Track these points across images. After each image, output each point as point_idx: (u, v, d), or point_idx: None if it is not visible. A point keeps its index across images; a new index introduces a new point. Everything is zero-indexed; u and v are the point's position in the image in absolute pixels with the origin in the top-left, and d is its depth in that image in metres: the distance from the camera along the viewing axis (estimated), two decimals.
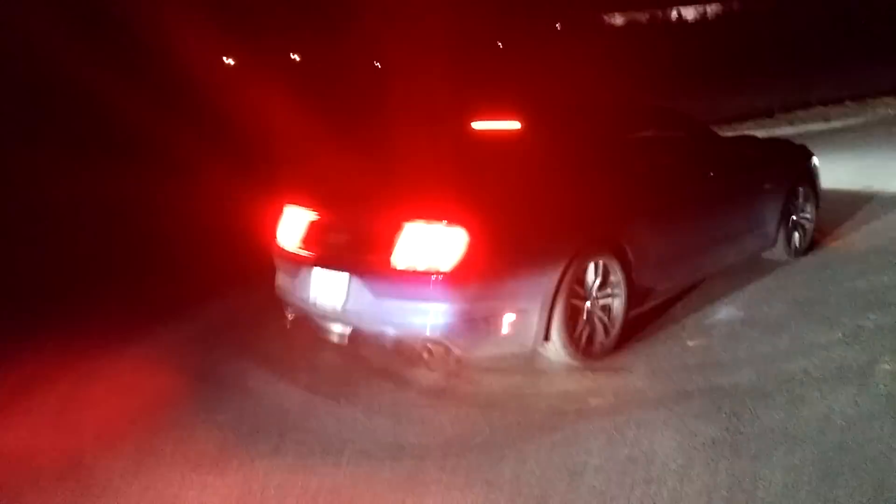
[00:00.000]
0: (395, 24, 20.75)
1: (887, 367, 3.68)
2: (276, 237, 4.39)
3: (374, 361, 4.29)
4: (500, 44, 28.70)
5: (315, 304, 3.99)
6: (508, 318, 3.67)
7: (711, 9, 37.44)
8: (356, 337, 3.88)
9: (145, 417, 3.78)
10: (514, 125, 4.61)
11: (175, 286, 6.11)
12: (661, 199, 4.53)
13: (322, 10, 21.95)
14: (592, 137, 4.47)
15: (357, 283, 3.75)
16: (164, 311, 5.43)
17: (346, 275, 3.81)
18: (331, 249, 4.02)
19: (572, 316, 3.89)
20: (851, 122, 14.75)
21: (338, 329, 3.93)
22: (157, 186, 9.57)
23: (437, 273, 3.53)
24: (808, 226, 5.81)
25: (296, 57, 27.36)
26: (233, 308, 5.51)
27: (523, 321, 3.71)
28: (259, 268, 4.77)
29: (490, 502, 2.84)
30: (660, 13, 34.99)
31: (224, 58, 23.67)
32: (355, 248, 3.87)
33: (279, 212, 4.40)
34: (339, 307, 3.84)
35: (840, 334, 4.15)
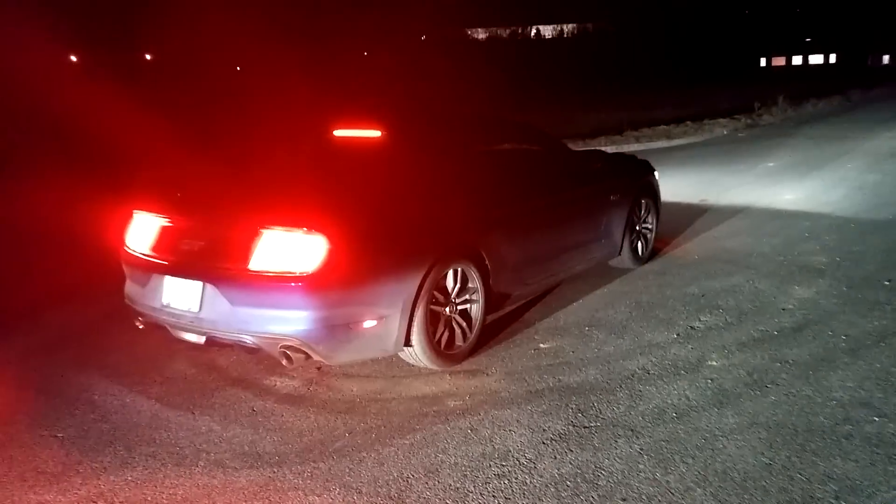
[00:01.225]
0: (258, 28, 20.33)
1: (714, 363, 4.05)
2: (125, 244, 4.19)
3: (231, 371, 4.20)
4: (365, 53, 28.79)
5: (169, 312, 3.85)
6: (369, 324, 3.71)
7: (568, 28, 39.44)
8: (212, 345, 3.79)
9: None
10: (375, 133, 4.66)
11: (12, 297, 5.67)
12: (515, 208, 4.73)
13: (180, 8, 21.09)
14: (451, 148, 4.61)
15: (214, 290, 3.66)
16: (4, 323, 5.03)
17: (201, 283, 3.71)
18: (185, 256, 3.89)
19: (432, 321, 3.99)
20: (691, 140, 15.95)
21: (192, 338, 3.82)
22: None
23: (298, 279, 3.52)
24: (650, 235, 6.26)
25: (148, 56, 26.13)
26: (77, 318, 5.19)
27: (384, 327, 3.76)
28: (106, 276, 4.53)
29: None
30: (519, 30, 36.41)
31: (71, 56, 22.24)
32: (211, 254, 3.77)
33: (129, 217, 4.21)
34: (194, 315, 3.73)
35: (675, 334, 4.51)
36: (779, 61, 55.59)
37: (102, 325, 4.90)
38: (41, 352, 4.58)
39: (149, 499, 2.94)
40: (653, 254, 6.33)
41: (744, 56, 42.09)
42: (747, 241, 6.75)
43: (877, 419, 3.31)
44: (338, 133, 4.85)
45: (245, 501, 2.91)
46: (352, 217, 3.75)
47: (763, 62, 50.42)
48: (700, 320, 4.74)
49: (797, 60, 56.05)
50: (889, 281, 5.31)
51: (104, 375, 4.19)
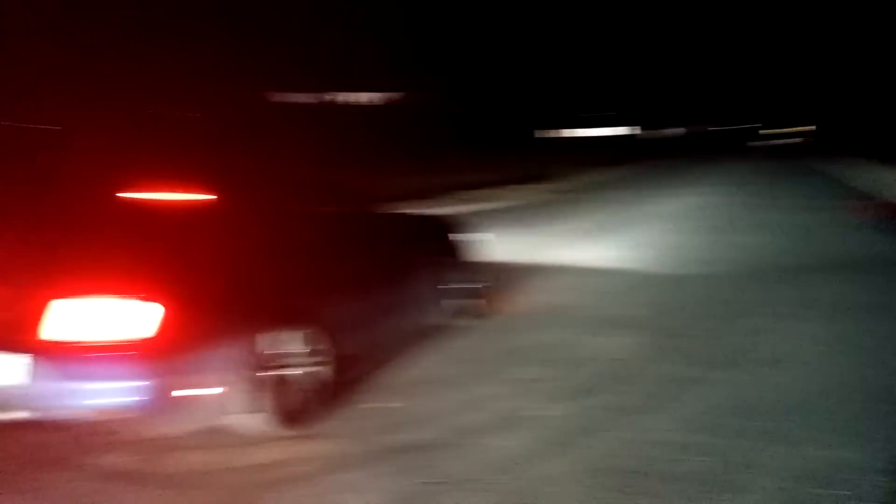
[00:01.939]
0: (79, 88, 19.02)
1: (545, 413, 4.31)
2: None
3: (49, 450, 3.82)
4: (198, 114, 27.79)
5: None
6: (207, 392, 3.59)
7: (381, 95, 40.59)
8: (29, 421, 3.46)
9: None
10: (205, 196, 4.48)
11: None
12: (348, 270, 4.83)
13: None
14: (278, 209, 4.63)
15: (27, 363, 3.35)
16: None
17: (14, 356, 3.38)
18: None
19: (274, 386, 3.92)
20: (514, 203, 16.99)
21: (11, 416, 3.46)
22: None
23: (127, 349, 3.35)
24: (476, 293, 6.55)
25: None
26: None
27: (222, 394, 3.65)
28: None
29: None
30: (324, 96, 36.74)
31: None
32: (18, 326, 3.43)
33: None
34: (10, 391, 3.39)
35: (506, 388, 4.75)
36: (551, 133, 59.77)
37: None
38: None
39: None
40: (484, 312, 6.60)
41: (518, 127, 44.89)
42: (566, 297, 7.30)
43: (698, 458, 3.62)
44: (159, 195, 4.58)
45: None
46: (187, 284, 3.65)
47: (537, 134, 54.06)
48: (527, 373, 5.02)
49: (571, 132, 60.76)
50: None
51: None
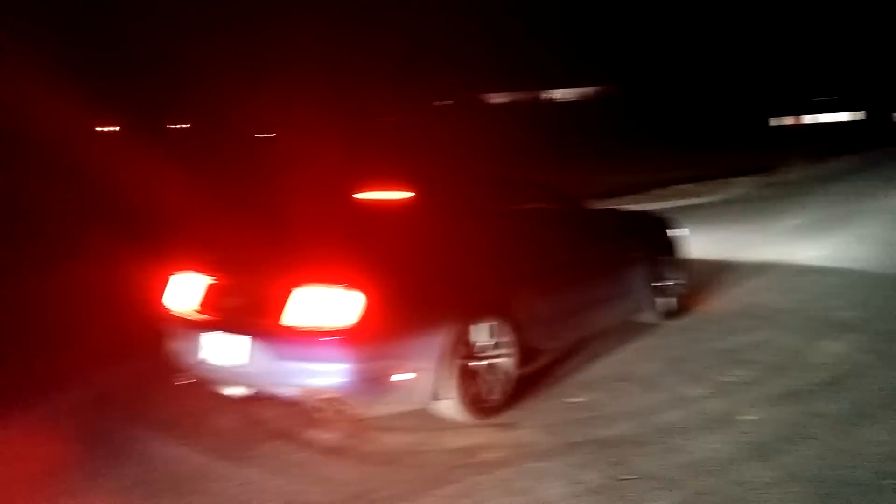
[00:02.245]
0: (289, 96, 21.04)
1: (748, 417, 4.08)
2: (165, 303, 4.37)
3: (272, 424, 4.30)
4: (390, 118, 29.55)
5: (210, 367, 3.99)
6: (404, 377, 3.82)
7: (583, 92, 40.21)
8: (255, 398, 3.92)
9: (33, 486, 3.63)
10: (403, 195, 4.85)
11: (64, 357, 5.86)
12: (542, 265, 4.87)
13: (212, 79, 21.96)
14: (478, 207, 4.80)
15: (255, 345, 3.81)
16: (52, 382, 5.24)
17: (244, 337, 3.86)
18: (226, 313, 4.06)
19: (465, 374, 4.09)
20: (713, 198, 16.07)
21: (235, 391, 3.95)
22: (44, 262, 9.27)
23: (335, 334, 3.66)
24: (676, 290, 6.33)
25: (183, 126, 27.13)
26: (125, 376, 5.36)
27: (418, 380, 3.88)
28: (150, 336, 4.71)
29: None
30: (533, 94, 37.11)
31: (103, 127, 23.14)
32: (251, 311, 3.93)
33: (168, 279, 4.40)
34: (236, 369, 3.87)
35: (707, 389, 4.55)
36: (788, 121, 55.51)
37: (151, 381, 5.04)
38: (92, 407, 4.74)
39: None
40: (680, 310, 6.38)
41: (753, 116, 42.27)
42: (772, 297, 6.79)
43: None
44: (365, 194, 5.04)
45: None
46: (386, 275, 3.92)
47: (773, 121, 50.40)
48: (731, 374, 4.77)
49: (808, 120, 56.08)
50: None
51: (152, 429, 4.32)
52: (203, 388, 4.22)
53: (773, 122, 50.02)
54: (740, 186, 17.66)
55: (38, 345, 6.22)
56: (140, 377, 5.20)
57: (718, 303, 6.74)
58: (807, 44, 44.24)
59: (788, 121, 54.66)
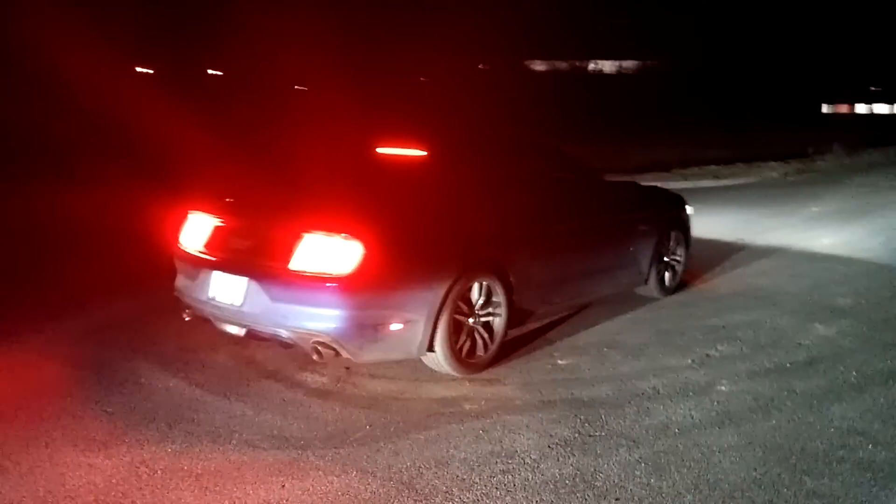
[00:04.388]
0: (320, 47, 21.12)
1: (724, 388, 4.21)
2: (178, 241, 4.57)
3: (267, 364, 4.52)
4: (422, 78, 29.51)
5: (214, 305, 4.20)
6: (395, 327, 3.99)
7: (627, 64, 39.63)
8: (251, 337, 4.13)
9: (34, 405, 3.87)
10: (416, 152, 4.99)
11: (76, 286, 6.15)
12: (542, 229, 4.98)
13: (246, 29, 22.14)
14: (485, 169, 4.90)
15: (255, 286, 4.00)
16: (61, 309, 5.50)
17: (245, 278, 4.05)
18: (232, 254, 4.25)
19: (455, 330, 4.25)
20: (739, 181, 15.92)
21: (234, 329, 4.16)
22: (67, 196, 9.62)
23: (332, 280, 3.83)
24: (679, 267, 6.41)
25: (211, 71, 27.43)
26: (131, 308, 5.60)
27: (409, 331, 4.04)
28: (161, 271, 4.94)
29: (363, 486, 3.12)
30: (578, 63, 36.72)
31: (139, 68, 23.55)
32: (256, 253, 4.12)
33: (184, 217, 4.60)
34: (237, 308, 4.07)
35: (690, 360, 4.68)
36: (842, 108, 54.38)
37: (153, 315, 5.30)
38: (97, 335, 4.98)
39: (185, 468, 3.25)
40: (681, 286, 6.47)
41: (805, 101, 41.41)
42: (776, 280, 6.85)
43: (871, 447, 3.44)
44: (380, 150, 5.20)
45: (271, 476, 3.19)
46: (385, 226, 4.06)
47: (826, 108, 49.37)
48: (717, 349, 4.89)
49: (862, 109, 54.82)
50: None
51: (151, 360, 4.55)
52: (207, 325, 4.43)
53: (826, 108, 48.88)
54: (771, 171, 17.45)
55: (55, 273, 6.55)
56: (148, 310, 5.44)
57: (721, 282, 6.81)
58: (869, 31, 42.90)
59: (843, 108, 53.41)
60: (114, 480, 3.14)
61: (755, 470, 3.23)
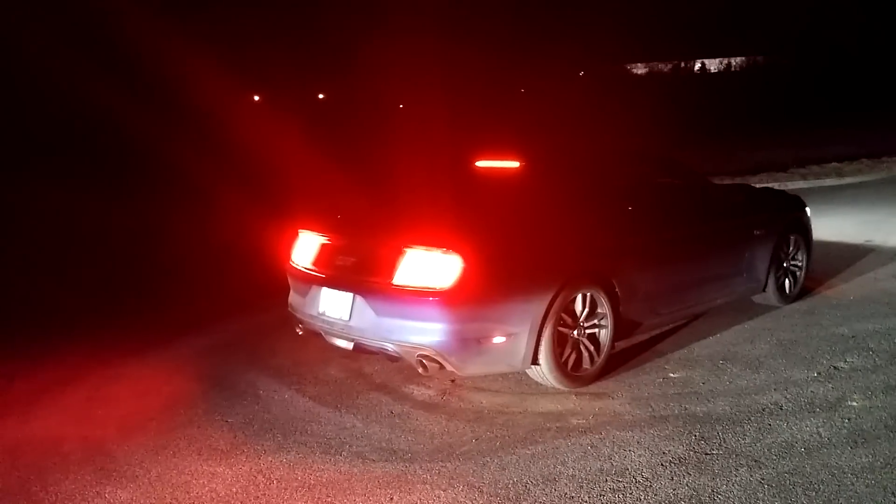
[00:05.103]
0: (423, 68, 21.55)
1: (855, 403, 3.93)
2: (290, 259, 4.75)
3: (375, 377, 4.61)
4: (522, 89, 29.49)
5: (324, 320, 4.33)
6: (498, 340, 3.98)
7: (735, 62, 38.05)
8: (359, 351, 4.23)
9: (162, 416, 4.12)
10: (514, 163, 4.98)
11: (197, 305, 6.52)
12: (648, 238, 4.82)
13: (350, 53, 22.97)
14: (586, 178, 4.82)
15: (361, 301, 4.09)
16: (185, 327, 5.84)
17: (351, 294, 4.15)
18: (339, 270, 4.37)
19: (559, 342, 4.18)
20: (864, 178, 14.91)
21: (343, 343, 4.27)
22: (187, 215, 10.25)
23: (433, 294, 3.86)
24: (799, 273, 6.06)
25: (321, 96, 28.58)
26: (248, 325, 5.88)
27: (512, 343, 4.01)
28: (274, 289, 5.15)
29: (470, 501, 3.12)
30: (682, 64, 35.63)
31: (254, 96, 24.91)
32: (361, 269, 4.22)
33: (294, 236, 4.78)
34: (345, 323, 4.18)
35: (815, 373, 4.39)
36: None
37: (270, 331, 5.53)
38: (218, 351, 5.25)
39: (300, 478, 3.36)
40: (803, 292, 6.10)
41: None
42: None
43: None
44: (480, 163, 5.22)
45: (379, 489, 3.24)
46: (486, 239, 4.06)
47: None
48: (846, 361, 4.57)
49: None
50: None
51: (268, 374, 4.75)
52: (316, 339, 4.57)
53: None
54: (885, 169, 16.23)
55: (177, 295, 6.97)
56: (264, 327, 5.68)
57: (849, 288, 6.38)
58: None
59: None
60: (234, 489, 3.28)
61: (894, 495, 2.98)
